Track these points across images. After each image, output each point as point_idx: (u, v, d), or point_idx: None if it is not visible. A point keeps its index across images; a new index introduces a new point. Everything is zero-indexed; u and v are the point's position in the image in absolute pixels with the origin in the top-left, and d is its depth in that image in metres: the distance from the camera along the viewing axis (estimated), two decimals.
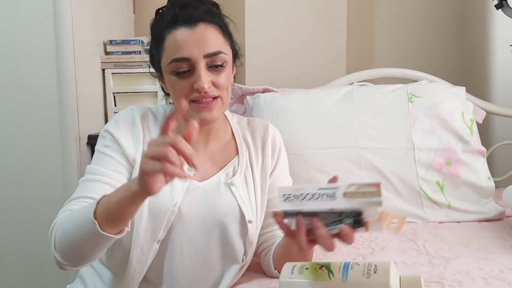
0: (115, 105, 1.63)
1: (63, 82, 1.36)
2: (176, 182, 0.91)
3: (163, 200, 0.89)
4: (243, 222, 0.95)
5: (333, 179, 0.76)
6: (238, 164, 0.99)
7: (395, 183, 1.34)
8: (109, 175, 0.89)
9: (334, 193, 0.70)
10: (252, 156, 1.01)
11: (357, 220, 0.69)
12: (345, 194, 0.69)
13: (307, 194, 0.71)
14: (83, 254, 0.81)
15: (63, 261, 0.81)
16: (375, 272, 0.71)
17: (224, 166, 0.99)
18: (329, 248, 0.71)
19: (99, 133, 1.50)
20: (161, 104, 1.06)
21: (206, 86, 0.86)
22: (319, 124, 1.36)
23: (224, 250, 0.95)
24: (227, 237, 0.95)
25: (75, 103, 1.38)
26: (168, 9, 0.90)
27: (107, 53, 1.66)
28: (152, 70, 0.99)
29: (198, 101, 0.88)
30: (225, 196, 0.95)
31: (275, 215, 0.73)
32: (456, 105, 1.45)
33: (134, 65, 1.63)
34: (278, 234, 1.01)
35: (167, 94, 0.99)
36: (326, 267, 0.74)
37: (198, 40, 0.87)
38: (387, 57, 2.09)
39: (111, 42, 1.65)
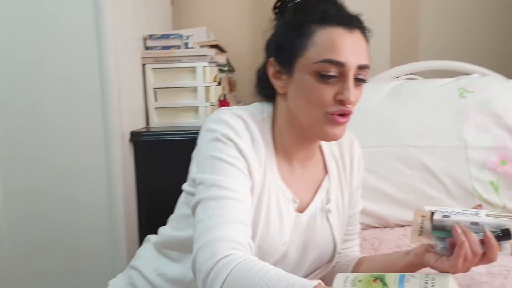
0: (156, 101, 1.62)
1: (105, 79, 1.35)
2: (285, 214, 0.82)
3: (273, 238, 0.80)
4: (334, 250, 0.90)
5: (478, 206, 0.76)
6: (330, 186, 0.90)
7: (446, 183, 1.29)
8: (245, 194, 0.75)
9: (477, 213, 0.73)
10: (341, 173, 0.92)
11: (501, 235, 0.70)
12: (487, 214, 0.73)
13: (452, 211, 0.74)
14: None
15: None
16: (432, 286, 0.68)
17: (318, 189, 0.89)
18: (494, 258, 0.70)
19: (141, 129, 1.52)
20: (253, 105, 0.88)
21: (353, 100, 0.76)
22: (365, 121, 1.32)
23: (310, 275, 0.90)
24: (316, 267, 0.91)
25: (117, 100, 1.37)
26: (321, 3, 0.79)
27: (147, 48, 1.65)
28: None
29: (334, 114, 0.77)
30: (321, 227, 0.87)
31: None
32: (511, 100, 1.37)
33: (174, 60, 1.61)
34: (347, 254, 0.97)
35: (261, 92, 0.87)
36: (381, 280, 0.70)
37: (356, 47, 0.77)
38: (434, 48, 2.00)
39: (150, 36, 1.64)
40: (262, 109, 0.86)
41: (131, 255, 1.43)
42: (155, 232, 0.98)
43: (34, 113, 1.38)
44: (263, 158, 0.80)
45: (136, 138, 1.45)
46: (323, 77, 0.76)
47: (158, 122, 1.62)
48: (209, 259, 0.66)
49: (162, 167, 1.50)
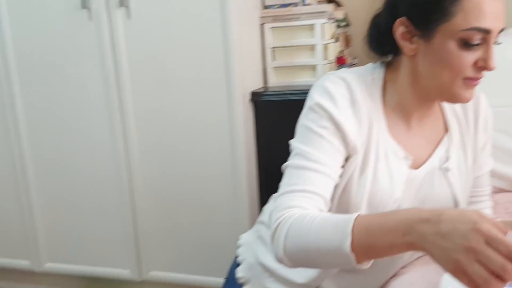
0: (274, 60, 1.63)
1: (228, 40, 1.39)
2: (396, 171, 0.81)
3: (383, 195, 0.80)
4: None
5: None
6: (450, 144, 0.86)
7: None
8: (330, 166, 0.77)
9: None
10: (463, 132, 0.88)
11: None
12: None
13: None
14: (317, 267, 0.77)
15: (290, 264, 0.73)
16: None
17: (436, 147, 0.86)
18: None
19: (259, 89, 1.56)
20: (365, 66, 0.87)
21: (495, 67, 0.74)
22: (502, 77, 1.19)
23: None
24: None
25: (240, 60, 1.41)
26: None
27: (265, 7, 1.65)
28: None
29: (471, 79, 0.75)
30: (440, 186, 0.85)
31: None
32: None
33: (292, 18, 1.60)
34: None
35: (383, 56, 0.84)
36: None
37: (499, 11, 0.73)
38: None
39: None
40: (373, 69, 0.85)
41: (252, 210, 1.51)
42: (274, 191, 1.01)
43: (165, 76, 1.48)
44: (366, 119, 0.80)
45: (256, 98, 1.49)
46: (466, 45, 0.73)
47: (276, 81, 1.64)
48: (274, 222, 0.74)
49: (280, 127, 1.52)
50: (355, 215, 0.66)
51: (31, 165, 1.69)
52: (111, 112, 1.55)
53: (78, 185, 1.66)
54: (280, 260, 0.74)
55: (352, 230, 0.64)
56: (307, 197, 0.74)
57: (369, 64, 0.87)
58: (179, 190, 1.55)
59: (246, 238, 1.08)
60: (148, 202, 1.60)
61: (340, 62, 1.68)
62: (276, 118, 1.51)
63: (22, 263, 1.81)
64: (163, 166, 1.55)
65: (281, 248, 0.72)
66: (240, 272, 1.03)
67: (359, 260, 0.65)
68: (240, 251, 1.07)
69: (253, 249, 1.02)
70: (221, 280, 1.58)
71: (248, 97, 1.47)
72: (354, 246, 0.63)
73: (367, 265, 0.66)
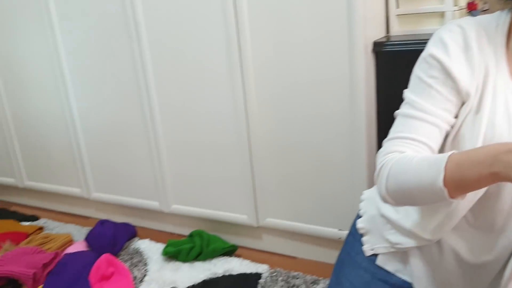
0: (397, 7, 1.54)
1: None
2: None
3: (501, 136, 0.78)
4: None
5: None
6: None
7: None
8: (437, 115, 0.80)
9: None
10: None
11: None
12: None
13: None
14: (417, 204, 0.81)
15: (393, 202, 0.81)
16: None
17: None
18: None
19: (382, 39, 1.49)
20: (491, 14, 0.85)
21: None
22: None
23: None
24: None
25: (363, 8, 1.35)
26: None
27: None
28: None
29: None
30: None
31: None
32: None
33: None
34: None
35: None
36: None
37: None
38: None
39: None
40: (499, 16, 0.83)
41: (370, 163, 1.48)
42: None
43: (281, 27, 1.48)
44: (481, 65, 0.80)
45: (378, 48, 1.43)
46: None
47: (399, 30, 1.55)
48: (378, 165, 0.82)
49: (402, 79, 1.45)
50: (450, 153, 0.72)
51: (158, 114, 1.83)
52: (231, 63, 1.59)
53: (201, 135, 1.76)
54: (384, 199, 0.82)
55: (445, 167, 0.70)
56: (409, 143, 0.80)
57: (497, 11, 0.84)
58: (297, 140, 1.57)
59: (369, 193, 1.09)
60: (266, 151, 1.65)
61: (471, 8, 1.53)
62: (399, 70, 1.44)
63: (152, 204, 2.00)
64: (280, 117, 1.58)
65: (384, 188, 0.80)
66: (360, 224, 1.05)
67: (452, 194, 0.71)
68: (362, 205, 1.08)
69: (376, 202, 1.03)
70: (335, 231, 1.61)
71: (370, 47, 1.42)
72: (446, 181, 0.70)
73: (461, 198, 0.73)
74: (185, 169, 1.85)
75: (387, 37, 1.54)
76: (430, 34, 0.99)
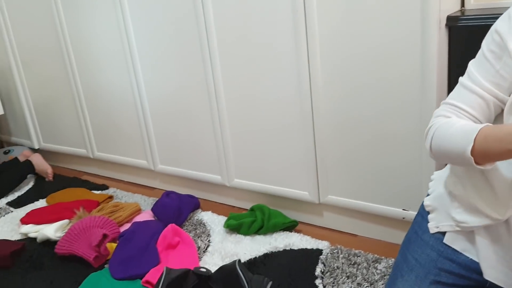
0: None
1: None
2: None
3: None
4: None
5: None
6: None
7: None
8: (485, 88, 0.85)
9: None
10: None
11: None
12: None
13: None
14: (453, 164, 0.92)
15: (435, 159, 0.91)
16: None
17: None
18: None
19: (456, 13, 1.42)
20: None
21: None
22: None
23: None
24: None
25: None
26: None
27: None
28: None
29: None
30: None
31: None
32: None
33: None
34: None
35: None
36: None
37: None
38: None
39: None
40: None
41: None
42: None
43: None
44: None
45: (452, 23, 1.37)
46: None
47: (475, 3, 1.47)
48: (427, 126, 0.93)
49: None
50: (482, 125, 0.79)
51: (222, 90, 1.86)
52: (296, 38, 1.58)
53: (264, 110, 1.77)
54: (430, 156, 0.92)
55: (475, 138, 0.78)
56: (456, 110, 0.89)
57: None
58: (361, 117, 1.55)
59: (439, 173, 1.07)
60: (329, 127, 1.64)
61: None
62: (473, 46, 1.37)
63: (215, 177, 2.06)
64: (345, 92, 1.56)
65: (429, 147, 0.91)
66: (427, 201, 1.05)
67: (478, 162, 0.80)
68: (431, 184, 1.08)
69: (444, 180, 1.02)
70: (399, 211, 1.59)
71: (443, 22, 1.36)
72: (473, 151, 0.79)
73: (489, 166, 0.80)
74: (247, 144, 1.88)
75: (462, 11, 1.46)
76: (506, 9, 0.95)
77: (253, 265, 1.62)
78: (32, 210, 2.15)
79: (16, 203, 2.35)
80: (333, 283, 1.48)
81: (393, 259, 1.55)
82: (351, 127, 1.59)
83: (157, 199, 2.10)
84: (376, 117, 1.52)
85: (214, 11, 1.75)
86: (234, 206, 2.10)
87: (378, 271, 1.50)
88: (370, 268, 1.52)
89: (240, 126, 1.87)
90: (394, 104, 1.47)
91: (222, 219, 1.96)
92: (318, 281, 1.50)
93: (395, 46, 1.41)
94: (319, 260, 1.60)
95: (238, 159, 1.95)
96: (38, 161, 2.61)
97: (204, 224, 1.94)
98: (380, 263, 1.54)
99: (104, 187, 2.44)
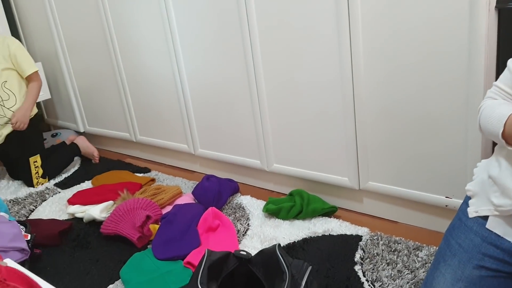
0: None
1: None
2: None
3: None
4: None
5: None
6: None
7: None
8: None
9: None
10: None
11: None
12: None
13: None
14: (497, 142, 0.96)
15: (484, 135, 1.01)
16: None
17: None
18: None
19: None
20: None
21: None
22: None
23: None
24: None
25: None
26: None
27: None
28: None
29: None
30: None
31: None
32: None
33: None
34: None
35: None
36: None
37: None
38: None
39: None
40: None
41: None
42: None
43: None
44: None
45: (502, 5, 1.31)
46: None
47: None
48: (479, 106, 1.02)
49: None
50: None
51: (262, 76, 1.86)
52: (338, 24, 1.56)
53: (304, 96, 1.77)
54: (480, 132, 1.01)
55: (505, 123, 0.89)
56: (502, 93, 0.98)
57: None
58: (403, 102, 1.52)
59: (485, 160, 1.07)
60: (371, 113, 1.61)
61: None
62: None
63: (254, 162, 2.07)
64: (388, 76, 1.53)
65: (478, 125, 1.00)
66: (469, 186, 1.06)
67: (510, 143, 0.90)
68: (475, 170, 1.07)
69: (487, 166, 1.02)
70: (442, 198, 1.56)
71: (493, 4, 1.30)
72: (504, 134, 0.90)
73: None
74: (287, 129, 1.88)
75: None
76: None
77: (292, 249, 1.63)
78: (78, 191, 2.24)
79: (64, 184, 2.45)
80: (373, 269, 1.47)
81: (435, 247, 1.52)
82: (393, 111, 1.56)
83: (197, 182, 2.13)
84: (420, 101, 1.48)
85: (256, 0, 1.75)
86: (273, 191, 2.11)
87: (419, 259, 1.48)
88: (411, 256, 1.51)
89: (280, 111, 1.87)
90: (439, 88, 1.43)
91: (261, 203, 1.98)
92: (357, 267, 1.49)
93: (441, 27, 1.36)
94: (359, 247, 1.60)
95: (277, 144, 1.95)
96: (84, 144, 2.71)
97: (243, 208, 1.96)
98: (421, 251, 1.52)
99: (146, 170, 2.51)
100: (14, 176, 2.57)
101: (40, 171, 2.47)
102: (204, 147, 2.28)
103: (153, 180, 2.34)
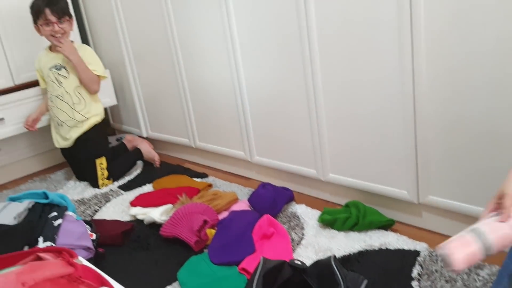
0: None
1: None
2: None
3: None
4: None
5: None
6: None
7: None
8: None
9: None
10: None
11: None
12: None
13: None
14: None
15: None
16: None
17: None
18: None
19: None
20: None
21: None
22: None
23: None
24: None
25: None
26: None
27: None
28: None
29: None
30: None
31: None
32: None
33: None
34: None
35: None
36: None
37: None
38: None
39: None
40: None
41: None
42: None
43: None
44: None
45: None
46: None
47: None
48: None
49: None
50: None
51: (320, 85, 1.86)
52: (400, 31, 1.54)
53: (362, 107, 1.75)
54: None
55: None
56: None
57: None
58: (469, 116, 1.47)
59: None
60: (432, 125, 1.57)
61: None
62: None
63: (310, 171, 2.08)
64: (452, 91, 1.49)
65: None
66: None
67: None
68: None
69: None
70: None
71: None
72: None
73: None
74: (344, 139, 1.87)
75: None
76: None
77: (347, 261, 1.62)
78: (140, 194, 2.34)
79: (126, 187, 2.57)
80: (431, 286, 1.43)
81: (497, 267, 1.46)
82: (457, 126, 1.51)
83: (253, 189, 2.16)
84: (486, 117, 1.43)
85: (316, 8, 1.76)
86: (328, 201, 2.10)
87: (480, 278, 1.43)
88: (471, 274, 1.45)
89: (338, 121, 1.87)
90: (506, 104, 1.37)
91: (316, 213, 1.97)
92: (414, 283, 1.46)
93: (511, 40, 1.31)
94: (416, 262, 1.56)
95: (334, 154, 1.95)
96: (146, 149, 2.83)
97: (298, 217, 1.97)
98: (482, 270, 1.46)
99: (204, 175, 2.58)
100: (81, 177, 2.72)
101: (106, 173, 2.60)
102: (260, 154, 2.31)
103: (210, 185, 2.40)
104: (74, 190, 2.61)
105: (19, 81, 2.78)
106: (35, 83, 2.78)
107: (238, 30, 2.12)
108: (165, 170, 2.72)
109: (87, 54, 2.58)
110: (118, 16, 2.82)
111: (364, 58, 1.68)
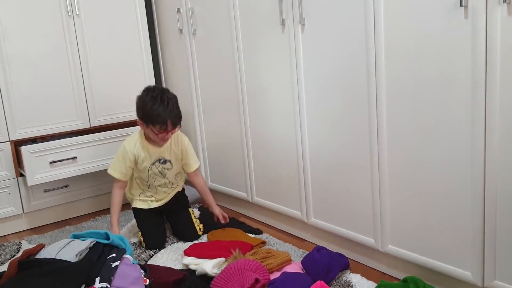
0: None
1: None
2: None
3: None
4: None
5: None
6: None
7: None
8: None
9: None
10: None
11: None
12: None
13: None
14: None
15: None
16: None
17: None
18: None
19: None
20: None
21: None
22: None
23: None
24: None
25: None
26: None
27: None
28: None
29: None
30: None
31: None
32: None
33: None
34: None
35: None
36: None
37: None
38: None
39: None
40: None
41: None
42: None
43: None
44: None
45: None
46: None
47: None
48: None
49: None
50: None
51: (386, 153, 1.84)
52: (473, 106, 1.51)
53: (429, 178, 1.71)
54: None
55: None
56: None
57: None
58: None
59: None
60: (502, 205, 1.50)
61: None
62: None
63: (368, 240, 2.02)
64: None
65: None
66: None
67: None
68: None
69: None
70: None
71: None
72: None
73: None
74: (407, 210, 1.82)
75: None
76: None
77: None
78: (194, 244, 2.36)
79: None
80: None
81: None
82: None
83: (307, 251, 2.12)
84: None
85: (386, 70, 1.77)
86: (385, 273, 2.02)
87: None
88: None
89: (402, 190, 1.83)
90: None
91: (372, 284, 1.90)
92: None
93: None
94: None
95: (395, 225, 1.89)
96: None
97: (352, 287, 1.90)
98: None
99: (258, 232, 2.57)
100: (179, 235, 2.58)
101: (197, 221, 2.62)
102: (317, 216, 2.29)
103: (264, 242, 2.39)
104: (131, 232, 2.68)
105: (95, 123, 2.97)
106: (108, 127, 2.98)
107: (306, 87, 2.16)
108: (221, 222, 2.74)
109: (186, 144, 2.59)
110: (193, 72, 2.98)
111: (432, 129, 1.65)
